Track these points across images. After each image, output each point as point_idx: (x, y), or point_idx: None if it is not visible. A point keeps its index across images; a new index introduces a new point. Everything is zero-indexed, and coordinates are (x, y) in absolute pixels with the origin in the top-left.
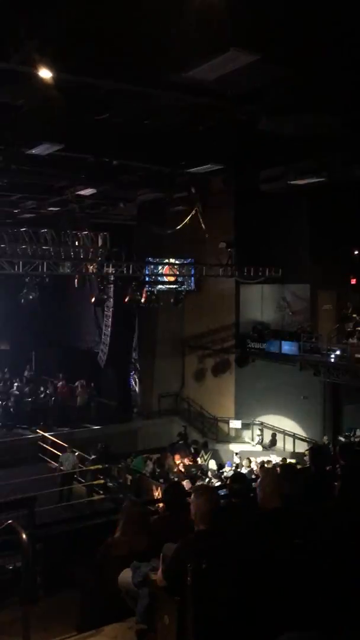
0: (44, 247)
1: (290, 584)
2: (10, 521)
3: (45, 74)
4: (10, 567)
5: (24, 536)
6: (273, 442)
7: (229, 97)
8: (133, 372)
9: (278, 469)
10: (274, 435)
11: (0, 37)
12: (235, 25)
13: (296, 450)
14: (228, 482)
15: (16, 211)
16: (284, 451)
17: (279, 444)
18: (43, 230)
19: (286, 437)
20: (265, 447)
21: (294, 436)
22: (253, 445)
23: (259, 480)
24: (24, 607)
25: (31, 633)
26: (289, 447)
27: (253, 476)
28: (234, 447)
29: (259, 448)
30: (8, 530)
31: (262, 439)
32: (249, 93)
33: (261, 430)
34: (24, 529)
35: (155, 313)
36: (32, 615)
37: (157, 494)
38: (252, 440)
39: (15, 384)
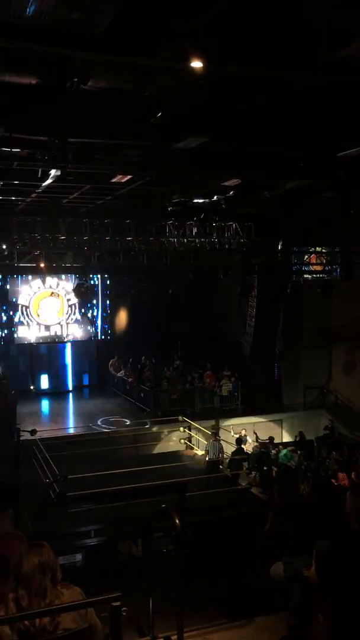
0: (189, 239)
1: None
2: (164, 505)
3: (196, 64)
4: (164, 550)
5: (177, 521)
6: None
7: None
8: (278, 363)
9: None
10: None
11: (151, 34)
12: None
13: None
14: None
15: (163, 205)
16: None
17: None
18: (189, 223)
19: None
20: None
21: None
22: None
23: None
24: (177, 590)
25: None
26: None
27: None
28: None
29: None
30: (161, 514)
31: None
32: None
33: None
34: (176, 514)
35: (301, 303)
36: (184, 599)
37: (304, 487)
38: None
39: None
